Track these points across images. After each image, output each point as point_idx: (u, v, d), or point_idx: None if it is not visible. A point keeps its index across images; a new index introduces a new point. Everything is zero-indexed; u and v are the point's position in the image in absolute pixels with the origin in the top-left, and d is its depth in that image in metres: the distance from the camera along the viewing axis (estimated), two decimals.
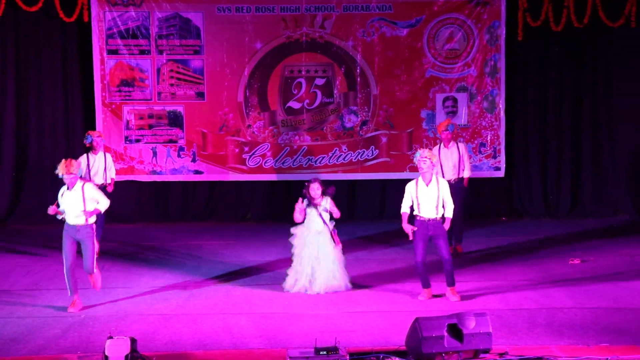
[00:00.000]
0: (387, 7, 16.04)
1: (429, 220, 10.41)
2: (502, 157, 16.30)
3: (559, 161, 16.51)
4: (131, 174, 16.05)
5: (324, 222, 10.92)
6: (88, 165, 13.10)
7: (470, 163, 13.76)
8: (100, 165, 13.21)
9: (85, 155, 13.25)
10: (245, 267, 12.53)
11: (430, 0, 16.09)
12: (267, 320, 9.71)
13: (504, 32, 16.12)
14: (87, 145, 13.31)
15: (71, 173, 10.02)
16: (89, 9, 15.77)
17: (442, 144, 13.19)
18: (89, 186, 10.27)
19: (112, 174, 13.47)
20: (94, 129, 15.67)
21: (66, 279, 10.21)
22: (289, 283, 11.05)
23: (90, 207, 10.15)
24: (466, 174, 13.22)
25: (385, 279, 11.48)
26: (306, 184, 11.05)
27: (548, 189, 16.57)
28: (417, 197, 10.45)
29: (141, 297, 10.80)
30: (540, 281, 11.37)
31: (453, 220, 11.85)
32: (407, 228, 10.50)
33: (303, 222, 11.04)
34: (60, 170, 10.03)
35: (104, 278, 10.81)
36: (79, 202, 10.11)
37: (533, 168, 16.56)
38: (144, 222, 16.18)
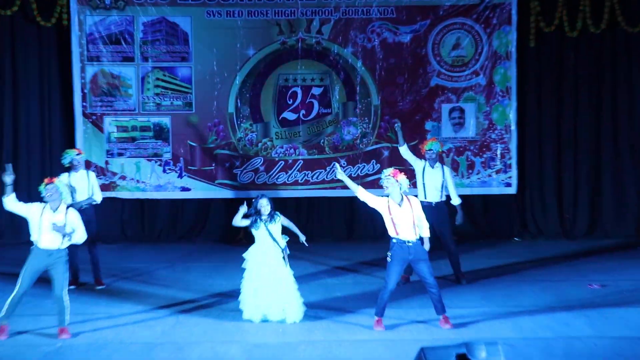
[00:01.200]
0: (389, 11, 16.01)
1: (409, 242, 10.30)
2: (514, 172, 16.23)
3: (575, 177, 16.44)
4: (113, 191, 15.94)
5: (274, 240, 10.83)
6: (70, 184, 12.84)
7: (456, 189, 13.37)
8: (83, 185, 12.93)
9: (66, 174, 12.89)
10: (237, 291, 12.37)
11: (435, 4, 16.06)
12: (259, 350, 9.62)
13: (515, 38, 16.09)
14: (67, 165, 13.04)
15: (54, 186, 10.10)
16: (68, 13, 15.73)
17: (427, 163, 12.94)
18: (73, 212, 10.22)
19: (97, 197, 13.07)
20: (73, 141, 15.61)
21: (8, 304, 10.06)
22: (249, 313, 10.88)
23: (67, 230, 10.08)
24: (455, 201, 12.99)
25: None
26: (253, 200, 10.99)
27: (564, 207, 16.50)
28: (391, 217, 10.31)
29: (123, 325, 10.67)
30: (557, 307, 11.27)
31: (448, 252, 11.83)
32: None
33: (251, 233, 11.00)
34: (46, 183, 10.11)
35: (84, 301, 10.72)
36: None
37: (547, 184, 16.49)
38: (127, 242, 16.11)
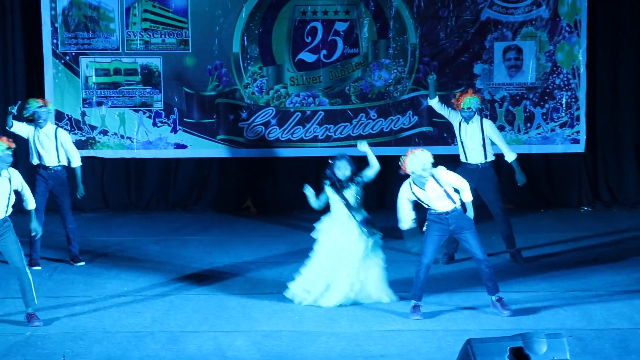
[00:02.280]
0: None
1: (446, 213, 10.44)
2: (582, 126, 16.25)
3: None
4: (91, 149, 16.05)
5: (352, 212, 10.92)
6: (34, 144, 12.92)
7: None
8: (50, 145, 13.01)
9: (30, 129, 12.93)
10: (243, 270, 12.56)
11: None
12: (271, 341, 9.72)
13: None
14: (29, 119, 13.07)
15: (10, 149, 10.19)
16: None
17: (462, 118, 12.94)
18: (15, 174, 10.40)
19: (74, 159, 13.07)
20: (41, 88, 15.68)
21: None
22: (297, 293, 11.05)
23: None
24: (509, 157, 13.01)
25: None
26: (330, 161, 11.02)
27: None
28: (420, 200, 10.49)
29: (106, 310, 10.80)
30: (635, 292, 11.32)
31: (498, 223, 11.94)
32: None
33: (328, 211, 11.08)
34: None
35: (58, 282, 10.88)
36: (6, 193, 10.24)
37: (625, 141, 16.51)
38: (109, 211, 16.26)
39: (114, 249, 13.80)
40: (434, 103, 13.10)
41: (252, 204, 16.54)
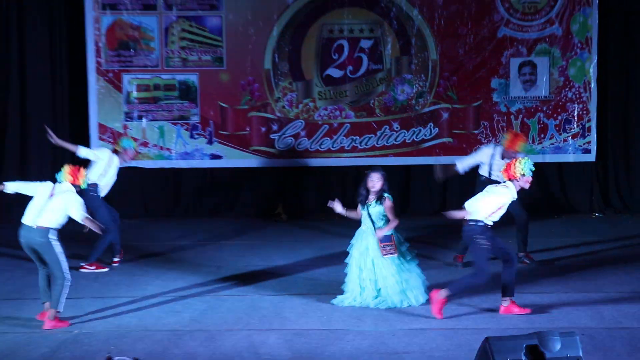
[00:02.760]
0: None
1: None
2: (593, 137, 16.22)
3: None
4: (133, 159, 16.07)
5: (373, 225, 10.93)
6: (107, 168, 13.03)
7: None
8: (114, 173, 13.20)
9: (111, 152, 13.14)
10: (274, 272, 12.55)
11: None
12: (301, 339, 9.71)
13: None
14: (122, 152, 13.15)
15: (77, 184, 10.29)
16: None
17: (497, 148, 12.87)
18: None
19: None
20: (85, 102, 15.77)
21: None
22: (340, 297, 11.08)
23: None
24: None
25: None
26: (367, 172, 11.11)
27: None
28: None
29: (147, 309, 10.84)
30: None
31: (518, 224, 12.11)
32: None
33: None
34: (66, 178, 10.26)
35: (103, 283, 10.96)
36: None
37: (634, 151, 16.46)
38: (149, 218, 16.29)
39: (155, 253, 13.82)
40: (462, 168, 12.98)
41: (283, 210, 16.55)
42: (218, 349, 9.41)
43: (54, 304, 10.07)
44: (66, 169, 10.29)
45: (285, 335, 9.82)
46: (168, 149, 16.25)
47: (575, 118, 16.22)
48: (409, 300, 10.87)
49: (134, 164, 15.95)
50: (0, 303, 11.14)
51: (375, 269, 10.85)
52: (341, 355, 9.20)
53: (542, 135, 16.20)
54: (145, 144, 16.18)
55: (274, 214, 16.51)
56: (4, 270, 12.82)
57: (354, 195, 15.95)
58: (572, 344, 7.99)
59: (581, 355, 7.99)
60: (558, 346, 7.96)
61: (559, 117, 16.24)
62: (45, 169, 15.07)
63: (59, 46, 16.29)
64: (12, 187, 10.53)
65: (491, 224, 10.37)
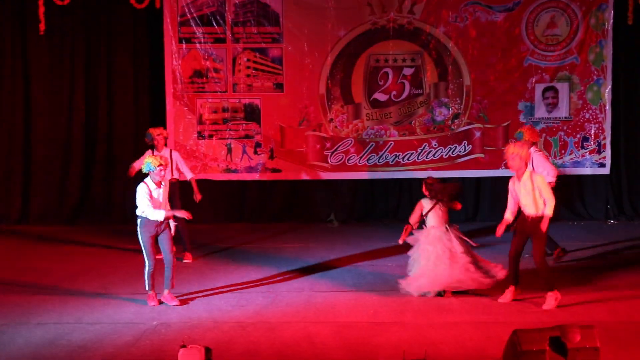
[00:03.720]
0: None
1: (528, 217, 10.48)
2: (608, 153, 16.03)
3: None
4: (204, 173, 16.16)
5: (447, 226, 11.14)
6: None
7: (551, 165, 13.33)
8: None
9: (150, 151, 13.24)
10: (328, 271, 12.52)
11: None
12: (350, 330, 9.69)
13: (612, 15, 15.84)
14: (148, 143, 13.35)
15: (161, 165, 10.59)
16: None
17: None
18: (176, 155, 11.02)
19: (187, 173, 13.49)
20: (164, 123, 15.84)
21: (146, 277, 10.74)
22: (412, 286, 11.08)
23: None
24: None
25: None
26: (424, 179, 11.36)
27: None
28: (514, 193, 10.56)
29: (216, 304, 10.87)
30: None
31: None
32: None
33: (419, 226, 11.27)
34: (154, 163, 10.53)
35: (177, 280, 11.03)
36: (165, 197, 10.76)
37: None
38: (218, 223, 16.31)
39: (222, 253, 13.86)
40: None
41: (335, 217, 16.52)
42: (278, 339, 9.42)
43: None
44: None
45: (337, 327, 9.80)
46: (235, 164, 16.27)
47: (592, 136, 16.04)
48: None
49: (204, 176, 16.06)
50: (89, 297, 11.20)
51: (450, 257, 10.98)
52: (386, 345, 9.16)
53: (563, 151, 16.04)
54: (215, 159, 16.22)
55: (327, 221, 16.49)
56: (91, 267, 12.90)
57: (398, 205, 16.16)
58: (590, 336, 7.92)
59: (598, 345, 7.91)
60: (578, 338, 7.88)
61: (578, 135, 16.07)
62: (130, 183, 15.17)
63: (142, 74, 16.40)
64: None
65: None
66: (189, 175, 13.48)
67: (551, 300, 10.39)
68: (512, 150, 10.49)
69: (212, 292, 11.41)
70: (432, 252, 10.97)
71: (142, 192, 10.56)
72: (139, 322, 10.04)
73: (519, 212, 10.64)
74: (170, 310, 10.51)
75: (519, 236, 10.65)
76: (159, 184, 10.65)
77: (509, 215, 10.67)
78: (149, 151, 13.07)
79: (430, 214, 11.15)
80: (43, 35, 15.99)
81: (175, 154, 13.46)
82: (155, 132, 13.26)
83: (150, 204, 10.52)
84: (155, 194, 10.61)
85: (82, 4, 16.08)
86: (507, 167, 10.93)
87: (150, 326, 9.89)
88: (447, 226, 11.14)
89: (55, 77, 16.28)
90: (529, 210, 10.46)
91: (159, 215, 10.53)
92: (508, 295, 10.67)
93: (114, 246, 14.10)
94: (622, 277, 11.95)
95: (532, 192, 10.40)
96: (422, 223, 11.20)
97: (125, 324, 9.98)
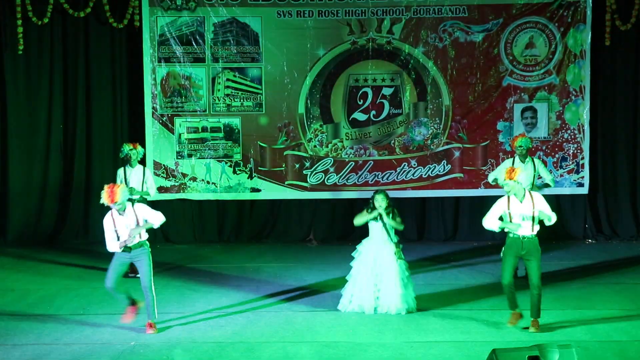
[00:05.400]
0: (461, 10, 15.99)
1: (524, 238, 10.38)
2: (586, 173, 16.11)
3: None
4: (183, 192, 16.15)
5: (389, 236, 11.06)
6: (125, 179, 13.31)
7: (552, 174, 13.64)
8: (137, 180, 13.46)
9: (122, 168, 13.52)
10: (307, 291, 12.52)
11: (508, 2, 15.99)
12: (330, 350, 9.69)
13: (590, 36, 15.96)
14: (122, 158, 13.52)
15: (117, 203, 10.16)
16: (140, 14, 15.95)
17: (516, 158, 13.15)
18: (140, 206, 10.48)
19: (150, 192, 13.58)
20: (142, 142, 15.82)
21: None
22: (343, 302, 11.24)
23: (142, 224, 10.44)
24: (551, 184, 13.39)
25: (460, 306, 11.37)
26: (373, 193, 11.37)
27: (639, 210, 16.34)
28: (509, 212, 10.40)
29: (195, 324, 10.84)
30: (632, 310, 11.18)
31: None
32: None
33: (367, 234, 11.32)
34: (106, 200, 10.16)
35: (157, 300, 10.95)
36: (133, 224, 10.31)
37: (622, 185, 16.36)
38: (197, 243, 16.28)
39: (201, 274, 13.81)
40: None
41: (314, 237, 16.53)
42: (257, 359, 9.39)
43: None
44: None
45: (316, 347, 9.80)
46: (214, 183, 16.26)
47: (571, 156, 16.12)
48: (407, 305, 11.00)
49: (184, 196, 16.04)
50: (67, 318, 11.15)
51: (385, 276, 11.06)
52: None
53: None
54: (194, 179, 16.21)
55: (306, 240, 16.49)
56: (70, 288, 12.85)
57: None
58: (569, 355, 7.93)
59: None
60: (556, 357, 7.89)
61: (557, 155, 16.14)
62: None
63: (120, 94, 16.37)
64: None
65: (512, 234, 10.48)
66: (152, 193, 13.63)
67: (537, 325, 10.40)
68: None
69: (190, 312, 11.38)
70: (363, 269, 11.21)
71: (105, 225, 10.35)
72: (117, 343, 10.00)
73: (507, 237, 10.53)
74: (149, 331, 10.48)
75: (511, 260, 10.50)
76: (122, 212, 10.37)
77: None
78: (121, 169, 13.43)
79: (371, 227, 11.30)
80: (21, 55, 15.96)
81: (147, 171, 13.68)
82: (127, 147, 13.45)
83: (112, 236, 10.30)
84: (118, 222, 10.28)
85: (61, 23, 16.06)
86: (495, 186, 10.85)
87: (129, 346, 9.85)
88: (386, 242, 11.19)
89: (32, 96, 16.21)
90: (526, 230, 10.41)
91: (110, 247, 10.36)
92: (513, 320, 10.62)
93: (96, 267, 13.99)
94: (600, 296, 11.99)
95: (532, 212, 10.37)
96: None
97: (103, 345, 9.94)
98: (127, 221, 10.26)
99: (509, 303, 10.53)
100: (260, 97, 16.20)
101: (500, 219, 10.43)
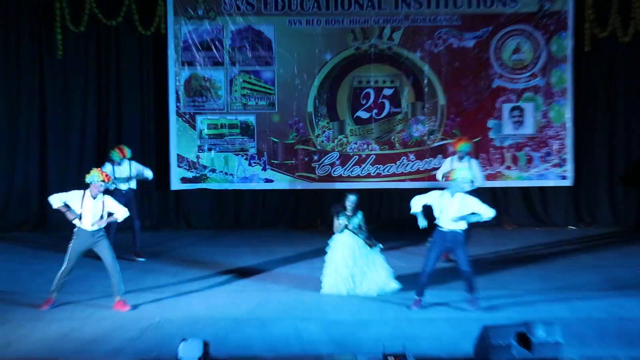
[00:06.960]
0: (455, 18, 15.90)
1: (447, 231, 10.24)
2: (570, 166, 16.01)
3: (626, 172, 16.15)
4: (204, 183, 16.10)
5: (353, 233, 11.12)
6: (113, 173, 13.25)
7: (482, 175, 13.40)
8: (124, 174, 13.37)
9: (109, 164, 13.35)
10: (316, 273, 12.42)
11: (497, 12, 15.90)
12: (336, 326, 9.62)
13: (571, 43, 15.85)
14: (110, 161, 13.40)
15: (109, 182, 10.40)
16: (166, 23, 15.94)
17: (455, 157, 12.98)
18: (109, 199, 10.51)
19: (148, 173, 13.61)
20: (167, 138, 15.85)
21: (57, 279, 10.44)
22: (326, 287, 11.13)
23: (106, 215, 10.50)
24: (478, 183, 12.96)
25: (456, 287, 11.27)
26: (345, 195, 11.24)
27: (616, 199, 16.23)
28: (440, 209, 10.28)
29: (214, 302, 10.78)
30: (610, 290, 11.10)
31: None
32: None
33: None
34: (103, 177, 10.28)
35: (181, 280, 10.94)
36: (99, 211, 10.34)
37: (600, 177, 16.28)
38: (215, 229, 16.22)
39: (220, 256, 13.73)
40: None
41: (321, 223, 16.45)
42: (269, 335, 9.36)
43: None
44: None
45: (323, 323, 9.73)
46: (231, 174, 16.21)
47: (555, 151, 16.03)
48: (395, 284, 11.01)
49: (204, 185, 16.00)
50: (98, 297, 11.08)
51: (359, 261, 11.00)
52: (368, 339, 9.10)
53: (529, 165, 16.03)
54: (213, 170, 16.16)
55: (313, 226, 16.42)
56: (100, 269, 12.78)
57: (379, 211, 16.13)
58: (553, 332, 7.88)
59: (560, 340, 7.87)
60: (542, 333, 7.84)
61: (542, 151, 16.05)
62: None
63: (147, 94, 16.34)
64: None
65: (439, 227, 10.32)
66: (149, 174, 13.66)
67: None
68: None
69: (211, 291, 11.33)
70: (339, 255, 11.13)
71: (75, 194, 10.36)
72: (144, 318, 9.94)
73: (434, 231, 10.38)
74: (173, 307, 10.42)
75: (437, 250, 10.35)
76: (94, 196, 10.35)
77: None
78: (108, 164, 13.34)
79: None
80: (60, 59, 15.93)
81: (134, 164, 13.51)
82: (115, 154, 13.38)
83: (65, 198, 10.35)
84: (88, 204, 10.29)
85: (95, 31, 16.05)
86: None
87: (154, 322, 9.79)
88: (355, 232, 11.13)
89: (69, 96, 16.16)
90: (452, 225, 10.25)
91: (52, 201, 10.39)
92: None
93: (121, 257, 13.88)
94: (581, 277, 11.91)
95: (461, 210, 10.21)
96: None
97: (131, 320, 9.88)
98: (95, 207, 10.31)
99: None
100: (273, 97, 16.14)
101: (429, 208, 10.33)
